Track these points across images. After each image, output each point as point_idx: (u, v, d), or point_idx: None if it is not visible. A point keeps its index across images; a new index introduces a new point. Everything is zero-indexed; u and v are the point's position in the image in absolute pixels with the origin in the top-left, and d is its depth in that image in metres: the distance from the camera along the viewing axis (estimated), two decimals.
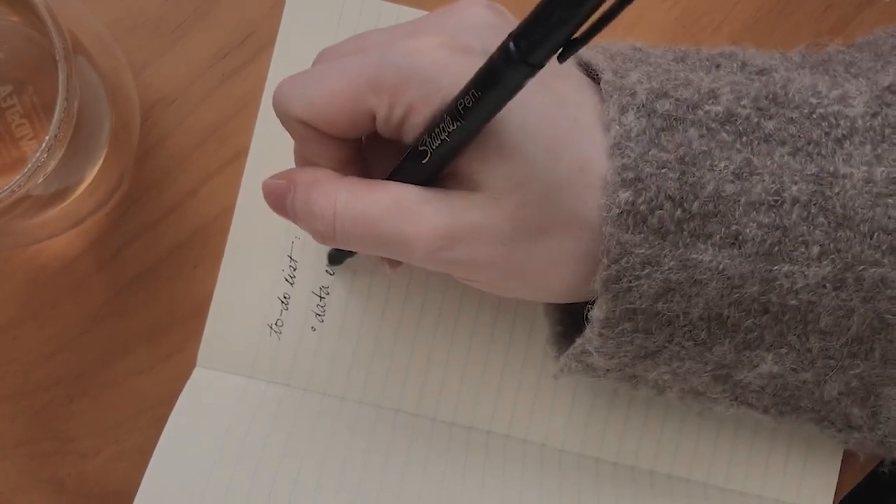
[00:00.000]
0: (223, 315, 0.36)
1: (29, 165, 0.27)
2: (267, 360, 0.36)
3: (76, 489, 0.36)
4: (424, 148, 0.26)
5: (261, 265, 0.36)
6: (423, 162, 0.26)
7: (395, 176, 0.28)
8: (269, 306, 0.36)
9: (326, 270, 0.36)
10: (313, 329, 0.36)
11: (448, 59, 0.26)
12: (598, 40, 0.23)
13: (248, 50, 0.37)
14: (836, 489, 0.36)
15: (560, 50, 0.21)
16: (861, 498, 0.37)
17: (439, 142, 0.25)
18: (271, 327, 0.36)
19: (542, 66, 0.21)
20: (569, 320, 0.33)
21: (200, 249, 0.36)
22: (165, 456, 0.32)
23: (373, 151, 0.30)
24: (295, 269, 0.36)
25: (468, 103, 0.24)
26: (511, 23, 0.29)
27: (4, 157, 0.31)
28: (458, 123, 0.24)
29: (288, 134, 0.29)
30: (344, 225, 0.27)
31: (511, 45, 0.21)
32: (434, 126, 0.25)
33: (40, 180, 0.28)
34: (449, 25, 0.28)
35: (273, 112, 0.36)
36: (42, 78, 0.31)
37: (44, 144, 0.28)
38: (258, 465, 0.33)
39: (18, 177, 0.27)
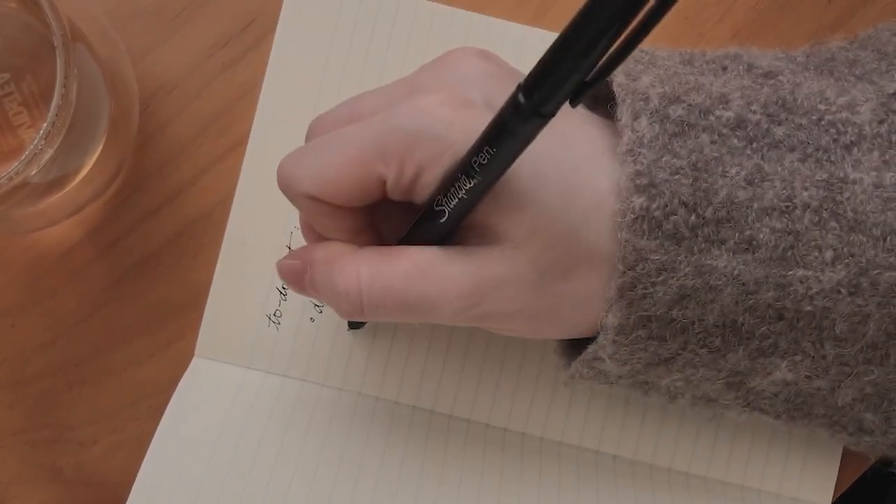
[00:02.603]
0: (222, 305, 0.36)
1: (26, 153, 0.27)
2: (265, 351, 0.36)
3: (74, 477, 0.36)
4: (441, 207, 0.26)
5: (260, 255, 0.36)
6: (441, 221, 0.26)
7: (411, 238, 0.28)
8: (267, 296, 0.36)
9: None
10: (312, 320, 0.36)
11: (453, 116, 0.25)
12: None
13: (248, 38, 0.37)
14: (837, 483, 0.36)
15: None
16: (863, 491, 0.37)
17: (456, 200, 0.25)
18: (270, 318, 0.36)
19: (554, 115, 0.21)
20: None
21: (199, 238, 0.36)
22: (163, 445, 0.32)
23: (381, 215, 0.30)
24: None
25: (483, 160, 0.23)
26: (505, 67, 0.28)
27: (2, 146, 0.31)
28: (475, 180, 0.24)
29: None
30: (371, 301, 0.27)
31: (520, 96, 0.21)
32: (449, 185, 0.25)
33: (38, 168, 0.28)
34: (446, 80, 0.27)
35: (274, 100, 0.36)
36: (40, 65, 0.31)
37: (41, 132, 0.27)
38: (255, 455, 0.33)
39: (16, 164, 0.27)
